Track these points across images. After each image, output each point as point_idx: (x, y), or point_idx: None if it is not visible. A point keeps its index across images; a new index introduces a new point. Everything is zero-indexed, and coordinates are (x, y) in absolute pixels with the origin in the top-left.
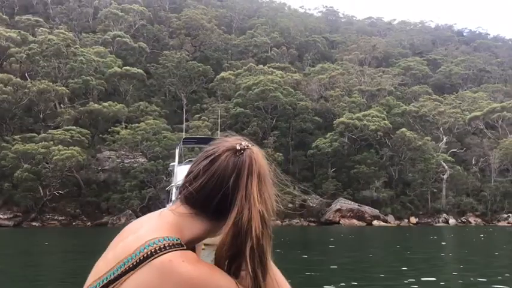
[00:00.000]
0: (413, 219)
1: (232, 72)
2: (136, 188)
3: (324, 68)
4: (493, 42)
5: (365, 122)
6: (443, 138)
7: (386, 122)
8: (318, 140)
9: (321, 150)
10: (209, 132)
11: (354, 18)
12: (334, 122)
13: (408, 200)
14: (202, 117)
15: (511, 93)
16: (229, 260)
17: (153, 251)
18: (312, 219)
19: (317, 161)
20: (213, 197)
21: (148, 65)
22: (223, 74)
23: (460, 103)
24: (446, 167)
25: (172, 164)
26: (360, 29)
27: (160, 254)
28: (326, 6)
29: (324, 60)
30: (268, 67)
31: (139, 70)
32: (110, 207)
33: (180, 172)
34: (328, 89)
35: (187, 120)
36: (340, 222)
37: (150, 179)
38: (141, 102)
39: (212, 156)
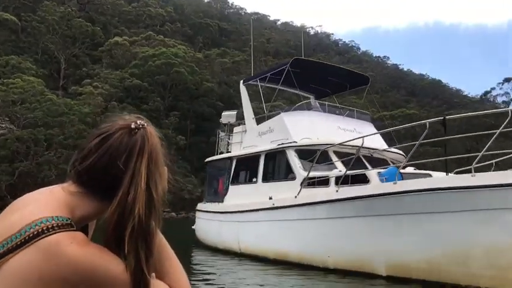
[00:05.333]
0: None
1: (127, 38)
2: (5, 161)
3: (225, 51)
4: (363, 57)
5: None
6: None
7: None
8: None
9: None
10: (103, 102)
11: (242, 11)
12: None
13: None
14: (94, 83)
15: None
16: (117, 241)
17: (40, 230)
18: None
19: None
20: (103, 176)
21: (23, 14)
22: (117, 38)
23: None
24: None
25: None
26: (248, 22)
27: (47, 234)
28: None
29: (215, 46)
30: (169, 40)
31: (12, 17)
32: None
33: None
34: (232, 74)
35: (64, 88)
36: None
37: (24, 150)
38: (13, 56)
39: (104, 135)
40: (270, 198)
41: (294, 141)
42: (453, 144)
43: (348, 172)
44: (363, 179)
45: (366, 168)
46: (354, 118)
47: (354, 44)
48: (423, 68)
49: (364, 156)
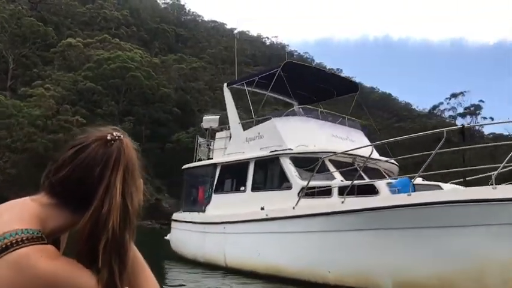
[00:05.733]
0: None
1: (81, 40)
2: None
3: (183, 58)
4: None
5: None
6: None
7: None
8: (180, 134)
9: (182, 145)
10: (55, 105)
11: (200, 18)
12: (200, 116)
13: None
14: (46, 85)
15: None
16: (90, 254)
17: (8, 244)
18: (164, 222)
19: (174, 157)
20: (77, 187)
21: None
22: (70, 40)
23: None
24: None
25: None
26: (205, 30)
27: (17, 247)
28: None
29: (172, 52)
30: (125, 44)
31: None
32: None
33: None
34: (190, 80)
35: (12, 89)
36: None
37: None
38: None
39: (79, 146)
40: (262, 208)
41: (289, 149)
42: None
43: (355, 182)
44: (370, 190)
45: (363, 178)
46: (345, 126)
47: (308, 56)
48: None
49: (359, 166)
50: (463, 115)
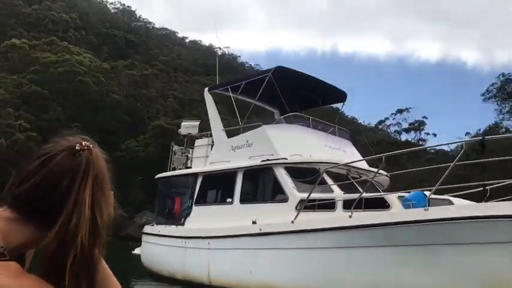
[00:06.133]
0: None
1: (27, 41)
2: None
3: (133, 64)
4: None
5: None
6: None
7: None
8: (129, 142)
9: (132, 154)
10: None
11: (151, 25)
12: (152, 124)
13: None
14: None
15: None
16: (57, 271)
17: None
18: (110, 233)
19: (124, 165)
20: (43, 200)
21: None
22: (15, 40)
23: None
24: None
25: None
26: (156, 37)
27: None
28: (124, 5)
29: (122, 58)
30: (74, 47)
31: None
32: None
33: None
34: (140, 87)
35: None
36: None
37: None
38: None
39: (45, 156)
40: (254, 222)
41: (283, 158)
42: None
43: (364, 195)
44: (380, 204)
45: (359, 191)
46: (336, 135)
47: (259, 68)
48: None
49: (352, 178)
50: (407, 130)
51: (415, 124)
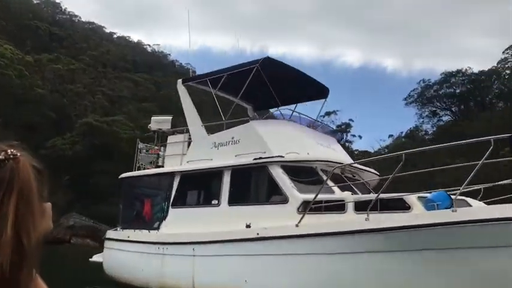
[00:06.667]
0: None
1: None
2: None
3: (59, 58)
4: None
5: (114, 128)
6: None
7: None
8: (55, 140)
9: (58, 152)
10: None
11: (76, 18)
12: (79, 121)
13: None
14: None
15: None
16: None
17: None
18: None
19: (49, 164)
20: None
21: None
22: None
23: None
24: None
25: None
26: (82, 31)
27: None
28: None
29: (46, 51)
30: None
31: None
32: None
33: None
34: (67, 82)
35: None
36: (72, 241)
37: None
38: None
39: None
40: (248, 226)
41: (279, 156)
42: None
43: (381, 196)
44: (398, 205)
45: (354, 190)
46: (322, 132)
47: (190, 67)
48: None
49: (347, 177)
50: (335, 132)
51: (342, 126)
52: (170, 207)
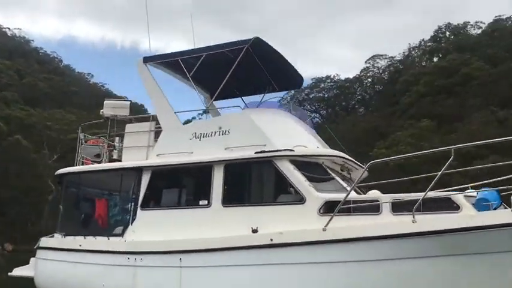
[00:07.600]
0: (9, 246)
1: None
2: None
3: None
4: (66, 70)
5: None
6: (54, 156)
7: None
8: None
9: None
10: None
11: None
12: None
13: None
14: None
15: None
16: None
17: None
18: None
19: None
20: None
21: None
22: None
23: None
24: (53, 187)
25: None
26: None
27: None
28: None
29: None
30: None
31: None
32: None
33: None
34: None
35: None
36: None
37: None
38: None
39: None
40: (255, 230)
41: (289, 149)
42: None
43: (430, 194)
44: (444, 205)
45: (356, 190)
46: (308, 124)
47: (56, 56)
48: (125, 90)
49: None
50: None
51: None
52: (139, 209)
